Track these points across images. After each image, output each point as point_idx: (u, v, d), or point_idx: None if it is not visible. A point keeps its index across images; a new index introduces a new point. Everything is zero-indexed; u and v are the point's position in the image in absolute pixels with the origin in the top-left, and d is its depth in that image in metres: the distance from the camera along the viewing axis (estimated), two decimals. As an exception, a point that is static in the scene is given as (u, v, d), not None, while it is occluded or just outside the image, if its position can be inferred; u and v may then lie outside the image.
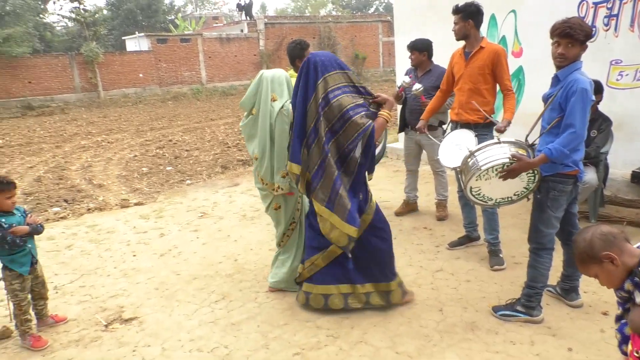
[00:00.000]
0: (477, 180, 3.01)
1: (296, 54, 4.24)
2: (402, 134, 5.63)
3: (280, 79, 3.47)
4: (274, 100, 3.40)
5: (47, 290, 3.43)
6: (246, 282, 4.00)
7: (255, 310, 3.53)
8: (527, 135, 3.01)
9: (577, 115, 2.74)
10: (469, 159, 3.07)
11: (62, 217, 6.10)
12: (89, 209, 6.42)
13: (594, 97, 2.85)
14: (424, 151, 5.24)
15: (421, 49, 4.93)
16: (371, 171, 3.34)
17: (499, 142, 3.00)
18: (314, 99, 3.09)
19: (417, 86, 4.68)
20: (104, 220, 5.83)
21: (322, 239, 3.27)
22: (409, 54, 5.03)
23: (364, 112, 3.10)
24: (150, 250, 4.80)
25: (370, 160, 3.21)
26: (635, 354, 1.79)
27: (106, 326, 3.42)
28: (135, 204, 6.53)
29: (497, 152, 2.97)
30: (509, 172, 2.87)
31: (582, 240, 1.87)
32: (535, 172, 2.92)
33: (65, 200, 7.00)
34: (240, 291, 3.84)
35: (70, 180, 8.42)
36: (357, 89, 3.21)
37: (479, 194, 3.13)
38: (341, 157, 3.14)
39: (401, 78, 5.13)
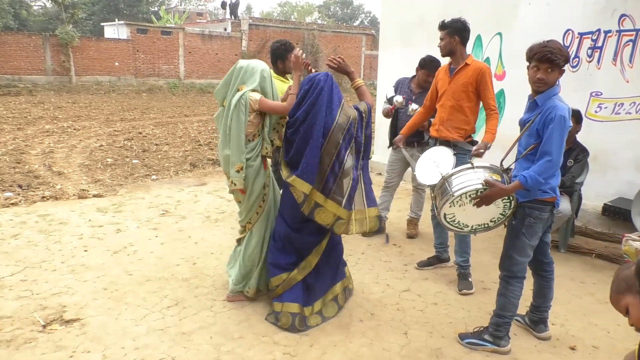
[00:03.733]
0: (450, 206, 2.90)
1: (280, 54, 4.09)
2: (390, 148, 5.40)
3: (254, 70, 3.27)
4: (239, 90, 3.21)
5: None
6: (203, 288, 3.76)
7: (210, 319, 3.30)
8: (502, 160, 2.94)
9: (554, 143, 2.68)
10: (443, 184, 2.96)
11: (12, 203, 5.71)
12: (43, 197, 6.04)
13: (571, 124, 2.77)
14: (408, 169, 5.05)
15: (422, 65, 4.71)
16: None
17: (473, 167, 2.90)
18: (338, 128, 3.09)
19: (414, 106, 4.46)
20: (58, 210, 5.48)
21: (289, 257, 3.32)
22: (418, 71, 4.79)
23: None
24: (104, 246, 4.50)
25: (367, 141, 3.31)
26: None
27: (44, 327, 3.12)
28: (94, 196, 6.18)
29: (470, 178, 2.86)
30: (482, 198, 2.78)
31: (627, 267, 1.68)
32: (511, 198, 2.83)
33: (20, 186, 6.59)
34: (196, 297, 3.60)
35: (29, 165, 7.98)
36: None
37: (453, 221, 3.01)
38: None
39: (384, 92, 5.00)
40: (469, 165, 2.94)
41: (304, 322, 3.24)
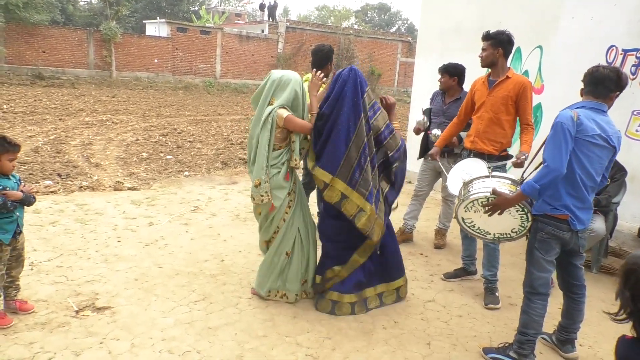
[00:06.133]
0: (466, 211, 3.05)
1: (330, 57, 4.32)
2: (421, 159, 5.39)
3: (286, 83, 3.32)
4: (270, 104, 3.27)
5: (21, 268, 3.19)
6: (230, 285, 3.83)
7: (235, 316, 3.36)
8: (523, 172, 3.05)
9: (548, 149, 2.69)
10: (462, 189, 3.14)
11: (52, 192, 5.93)
12: (81, 187, 6.25)
13: (572, 130, 2.64)
14: (438, 179, 5.03)
15: (452, 73, 4.68)
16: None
17: (489, 177, 3.03)
18: (364, 117, 3.27)
19: (437, 132, 4.44)
20: (94, 201, 5.66)
21: (342, 251, 3.49)
22: (439, 76, 4.78)
23: (394, 132, 3.44)
24: (136, 238, 4.63)
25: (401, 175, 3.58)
26: None
27: (77, 312, 3.24)
28: (129, 189, 6.36)
29: (484, 186, 2.99)
30: (491, 207, 2.85)
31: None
32: (526, 210, 2.87)
33: (59, 175, 6.84)
34: (223, 294, 3.67)
35: (68, 155, 8.26)
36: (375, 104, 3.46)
37: (473, 226, 3.13)
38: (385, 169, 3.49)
39: (418, 98, 5.01)
40: (487, 174, 3.06)
41: (364, 305, 3.54)
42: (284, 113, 3.25)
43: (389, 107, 3.56)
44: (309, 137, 3.45)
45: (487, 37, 3.79)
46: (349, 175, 3.25)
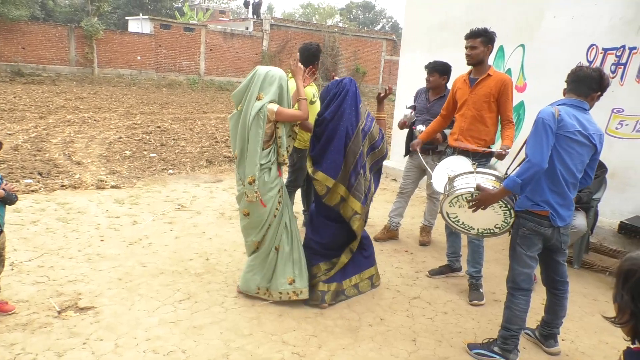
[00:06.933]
0: (450, 206, 3.07)
1: (317, 55, 4.33)
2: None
3: (273, 78, 3.31)
4: (259, 100, 3.25)
5: (1, 268, 3.11)
6: (215, 283, 3.80)
7: (221, 315, 3.34)
8: (508, 168, 3.07)
9: (530, 144, 2.72)
10: (447, 185, 3.16)
11: (32, 190, 5.83)
12: (62, 186, 6.16)
13: (553, 125, 2.68)
14: (423, 176, 5.07)
15: (442, 72, 4.69)
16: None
17: (474, 172, 3.06)
18: (361, 126, 3.43)
19: (421, 128, 4.51)
20: (77, 200, 5.58)
21: (330, 251, 3.65)
22: (426, 74, 4.77)
23: (382, 141, 3.62)
24: (120, 237, 4.57)
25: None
26: None
27: (59, 312, 3.19)
28: (112, 187, 6.28)
29: (469, 181, 3.02)
30: (475, 202, 2.87)
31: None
32: (509, 206, 2.90)
33: (40, 173, 6.72)
34: (208, 293, 3.65)
35: (49, 153, 8.13)
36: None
37: (457, 221, 3.16)
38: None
39: (403, 95, 5.04)
40: (472, 169, 3.08)
41: (343, 293, 3.66)
42: (275, 107, 3.25)
43: (384, 97, 3.79)
44: (295, 128, 3.51)
45: (478, 34, 3.77)
46: (347, 180, 3.42)
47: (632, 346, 1.36)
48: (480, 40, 3.75)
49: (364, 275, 3.84)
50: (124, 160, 8.16)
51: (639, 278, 1.27)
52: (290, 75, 4.12)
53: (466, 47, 3.83)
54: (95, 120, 12.16)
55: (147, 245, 4.46)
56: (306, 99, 3.48)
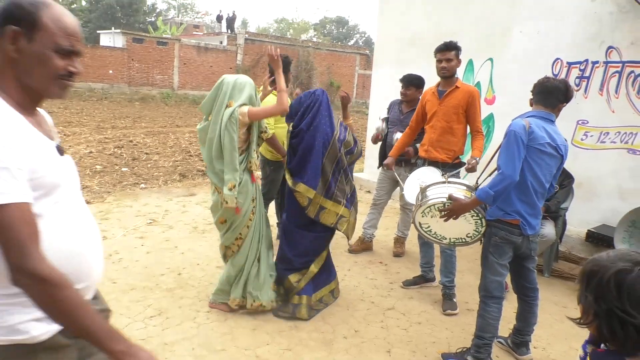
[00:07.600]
0: (423, 216, 3.09)
1: (287, 67, 4.24)
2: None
3: (242, 85, 3.31)
4: (229, 107, 3.24)
5: None
6: (187, 299, 3.74)
7: (193, 331, 3.28)
8: (478, 178, 3.12)
9: (502, 157, 2.78)
10: (419, 195, 3.18)
11: None
12: (29, 201, 5.98)
13: (524, 139, 2.74)
14: (396, 187, 5.10)
15: (418, 85, 4.75)
16: None
17: (445, 182, 3.09)
18: (337, 136, 3.46)
19: (397, 135, 4.56)
20: (44, 215, 5.42)
21: (302, 262, 3.60)
22: (403, 88, 4.80)
23: (357, 144, 3.67)
24: (89, 253, 4.45)
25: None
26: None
27: (23, 332, 3.08)
28: (82, 202, 6.13)
29: (441, 191, 3.04)
30: (448, 212, 2.90)
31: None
32: (480, 215, 2.93)
33: (6, 189, 6.52)
34: (180, 308, 3.58)
35: (16, 168, 7.89)
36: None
37: (430, 231, 3.18)
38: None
39: (376, 109, 5.09)
40: (443, 180, 3.11)
41: (313, 307, 3.61)
42: (245, 108, 3.24)
43: (345, 100, 3.84)
44: (263, 135, 3.51)
45: (453, 47, 3.85)
46: (325, 188, 3.45)
47: (598, 348, 1.39)
48: (454, 53, 3.85)
49: (331, 286, 3.84)
50: (95, 174, 8.00)
51: (601, 279, 1.31)
52: (261, 88, 4.13)
53: (440, 60, 3.89)
54: (65, 134, 11.90)
55: (117, 260, 4.36)
56: (285, 91, 3.35)
